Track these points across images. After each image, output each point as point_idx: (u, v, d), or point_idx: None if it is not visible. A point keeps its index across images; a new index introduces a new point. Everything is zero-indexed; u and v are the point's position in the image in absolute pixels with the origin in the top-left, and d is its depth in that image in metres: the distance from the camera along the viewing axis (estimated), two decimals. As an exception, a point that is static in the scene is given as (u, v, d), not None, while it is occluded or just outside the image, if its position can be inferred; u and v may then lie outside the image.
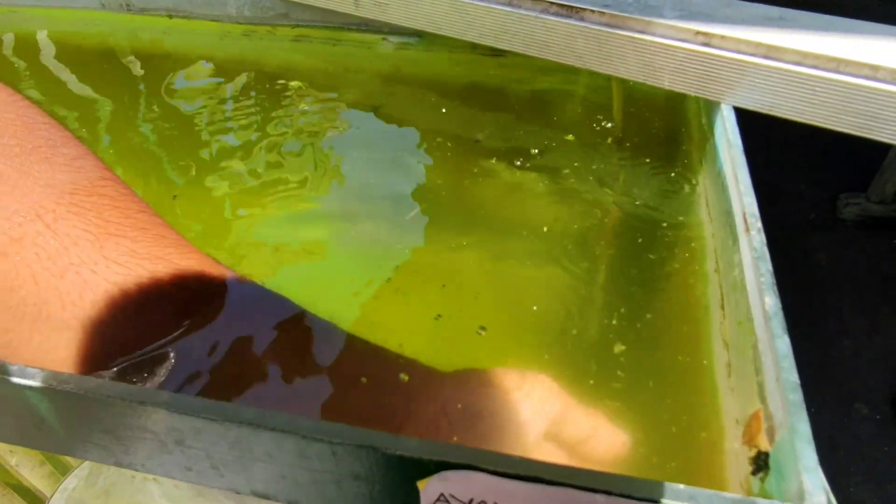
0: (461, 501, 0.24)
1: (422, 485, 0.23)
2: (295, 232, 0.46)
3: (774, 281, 0.28)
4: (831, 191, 1.64)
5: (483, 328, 0.38)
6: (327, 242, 0.45)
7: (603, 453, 0.30)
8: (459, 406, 0.27)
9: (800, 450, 0.23)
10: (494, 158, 0.48)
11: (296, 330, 0.28)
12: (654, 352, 0.36)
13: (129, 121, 0.55)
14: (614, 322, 0.38)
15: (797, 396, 0.24)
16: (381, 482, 0.25)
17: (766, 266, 0.29)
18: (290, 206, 0.48)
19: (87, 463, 0.52)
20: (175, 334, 0.27)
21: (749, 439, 0.28)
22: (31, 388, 0.26)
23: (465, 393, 0.28)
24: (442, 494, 0.24)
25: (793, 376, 0.25)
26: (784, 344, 0.26)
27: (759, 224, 0.31)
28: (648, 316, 0.38)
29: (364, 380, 0.27)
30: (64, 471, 0.57)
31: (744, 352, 0.29)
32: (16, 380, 0.25)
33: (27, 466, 0.60)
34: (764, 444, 0.26)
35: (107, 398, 0.25)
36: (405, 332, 0.39)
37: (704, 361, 0.34)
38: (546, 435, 0.29)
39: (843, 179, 1.64)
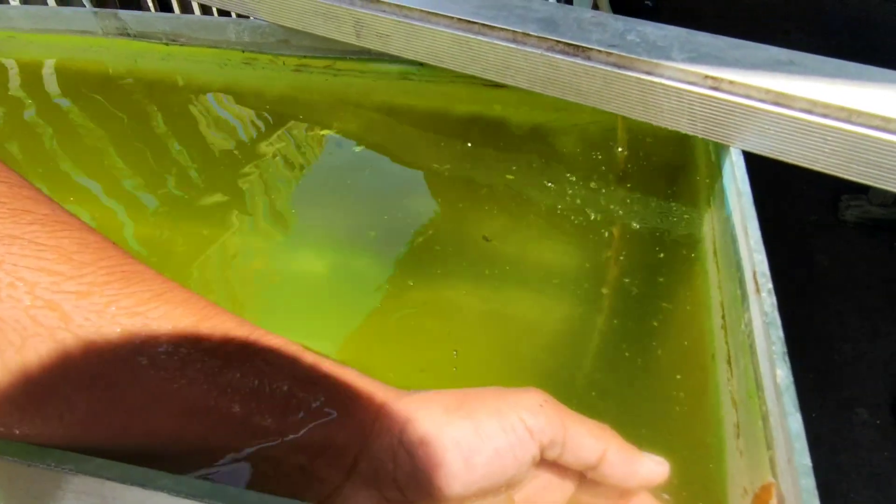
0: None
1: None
2: (287, 263, 0.45)
3: (786, 350, 0.28)
4: (833, 192, 1.64)
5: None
6: (321, 275, 0.45)
7: (622, 483, 0.26)
8: (418, 440, 0.23)
9: (813, 541, 0.22)
10: (494, 194, 0.47)
11: (232, 345, 0.24)
12: (659, 402, 0.36)
13: (125, 148, 0.54)
14: (615, 365, 0.38)
15: (809, 482, 0.24)
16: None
17: (778, 333, 0.29)
18: (283, 236, 0.47)
19: None
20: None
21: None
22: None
23: (429, 423, 0.24)
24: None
25: (805, 459, 0.24)
26: (796, 422, 0.25)
27: (770, 285, 0.31)
28: (652, 362, 0.37)
29: (315, 404, 0.23)
30: None
31: (753, 420, 0.29)
32: None
33: None
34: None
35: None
36: (391, 369, 0.38)
37: (711, 415, 0.34)
38: (542, 462, 0.25)
39: (844, 181, 1.64)
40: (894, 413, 1.27)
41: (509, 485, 0.25)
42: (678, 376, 0.36)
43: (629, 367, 0.37)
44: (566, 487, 0.27)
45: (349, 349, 0.40)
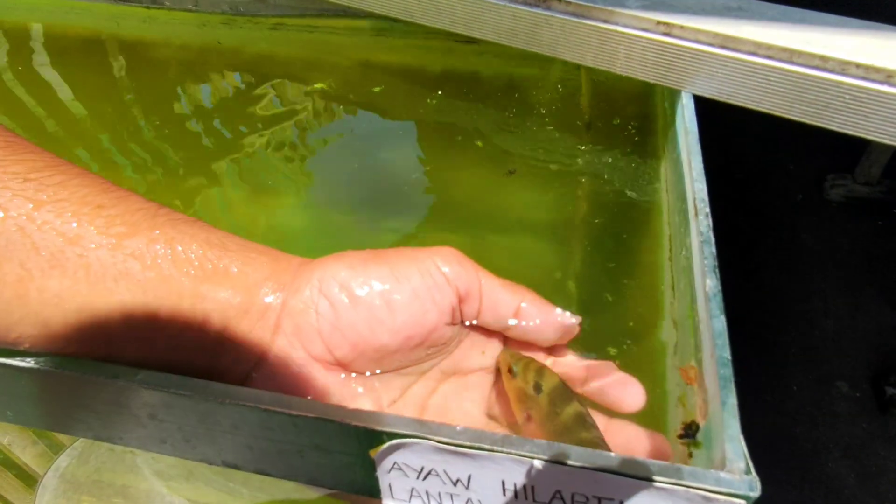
0: (414, 469, 0.26)
1: (373, 453, 0.25)
2: (269, 219, 0.47)
3: (717, 264, 0.30)
4: (818, 172, 1.66)
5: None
6: (305, 230, 0.47)
7: (539, 335, 0.27)
8: (337, 287, 0.24)
9: (726, 421, 0.24)
10: (468, 145, 0.49)
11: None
12: (615, 328, 0.38)
13: (109, 113, 0.56)
14: (581, 299, 0.40)
15: (727, 371, 0.26)
16: (340, 451, 0.26)
17: (710, 249, 0.31)
18: (266, 193, 0.49)
19: (79, 442, 0.54)
20: None
21: (686, 379, 0.29)
22: (11, 367, 0.27)
23: (346, 270, 0.25)
24: (395, 463, 0.26)
25: (725, 353, 0.26)
26: (720, 323, 0.27)
27: (707, 209, 0.33)
28: (610, 297, 0.39)
29: (230, 266, 0.24)
30: (56, 450, 0.58)
31: (688, 336, 0.31)
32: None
33: (20, 445, 0.60)
34: (698, 417, 0.27)
35: (82, 376, 0.27)
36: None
37: (656, 344, 0.36)
38: (454, 315, 0.26)
39: (830, 160, 1.66)
40: (874, 386, 1.30)
41: (433, 343, 0.26)
42: (635, 305, 0.39)
43: (595, 300, 0.39)
44: (492, 345, 0.28)
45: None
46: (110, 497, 0.51)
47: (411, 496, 0.27)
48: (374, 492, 0.28)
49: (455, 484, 0.26)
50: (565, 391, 0.27)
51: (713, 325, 0.27)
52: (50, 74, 0.60)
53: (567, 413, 0.27)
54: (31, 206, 0.22)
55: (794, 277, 1.52)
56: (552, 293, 0.40)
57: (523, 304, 0.27)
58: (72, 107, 0.57)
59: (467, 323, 0.27)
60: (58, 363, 0.27)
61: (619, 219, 0.43)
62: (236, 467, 0.30)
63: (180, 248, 0.23)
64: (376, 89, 0.53)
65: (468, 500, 0.27)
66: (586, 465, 0.23)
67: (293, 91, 0.55)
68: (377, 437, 0.24)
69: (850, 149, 1.65)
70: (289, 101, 0.55)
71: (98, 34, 0.63)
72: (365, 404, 0.27)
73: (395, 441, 0.24)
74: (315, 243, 0.46)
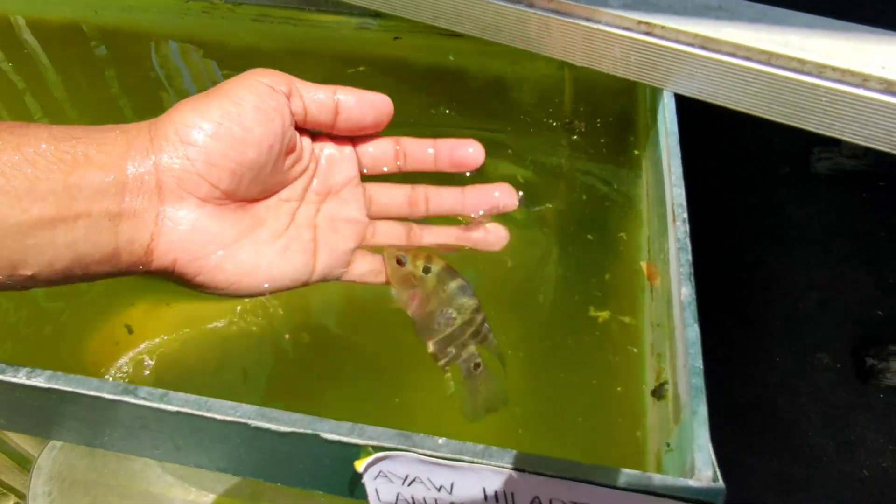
0: (399, 477, 0.27)
1: (358, 465, 0.26)
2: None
3: (692, 272, 0.31)
4: (805, 145, 1.66)
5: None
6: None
7: (361, 118, 0.31)
8: (195, 131, 0.27)
9: (696, 430, 0.25)
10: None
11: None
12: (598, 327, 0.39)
13: (84, 98, 0.56)
14: (559, 306, 0.41)
15: (699, 381, 0.27)
16: (327, 460, 0.27)
17: (687, 257, 0.31)
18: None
19: None
20: None
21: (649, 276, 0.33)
22: (1, 382, 0.28)
23: (194, 114, 0.27)
24: (381, 471, 0.27)
25: (697, 362, 0.27)
26: (693, 332, 0.28)
27: (685, 215, 0.34)
28: (596, 292, 0.40)
29: (88, 150, 0.25)
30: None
31: (663, 339, 0.32)
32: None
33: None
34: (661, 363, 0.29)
35: (73, 394, 0.27)
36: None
37: (634, 349, 0.37)
38: (291, 115, 0.29)
39: (816, 134, 1.66)
40: (855, 357, 1.32)
41: (290, 148, 0.29)
42: (617, 305, 0.40)
43: (576, 300, 0.40)
44: (346, 156, 0.32)
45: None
46: (106, 477, 0.52)
47: (397, 500, 0.28)
48: (361, 496, 0.29)
49: (439, 490, 0.27)
50: (451, 270, 0.32)
51: (687, 334, 0.28)
52: (29, 62, 0.59)
53: (452, 286, 0.32)
54: None
55: (779, 250, 1.54)
56: (528, 284, 0.41)
57: (339, 95, 0.30)
58: (51, 97, 0.57)
59: (304, 126, 0.31)
60: (48, 377, 0.28)
61: (599, 217, 0.43)
62: (229, 473, 0.31)
63: (31, 150, 0.24)
64: (360, 84, 0.53)
65: None
66: (563, 475, 0.24)
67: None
68: (362, 450, 0.25)
69: (836, 122, 1.64)
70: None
71: (77, 23, 0.62)
72: (263, 233, 0.30)
73: (379, 454, 0.25)
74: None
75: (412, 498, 0.28)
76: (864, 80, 0.35)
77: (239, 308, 0.42)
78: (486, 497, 0.27)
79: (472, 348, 0.31)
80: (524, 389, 0.36)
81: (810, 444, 1.23)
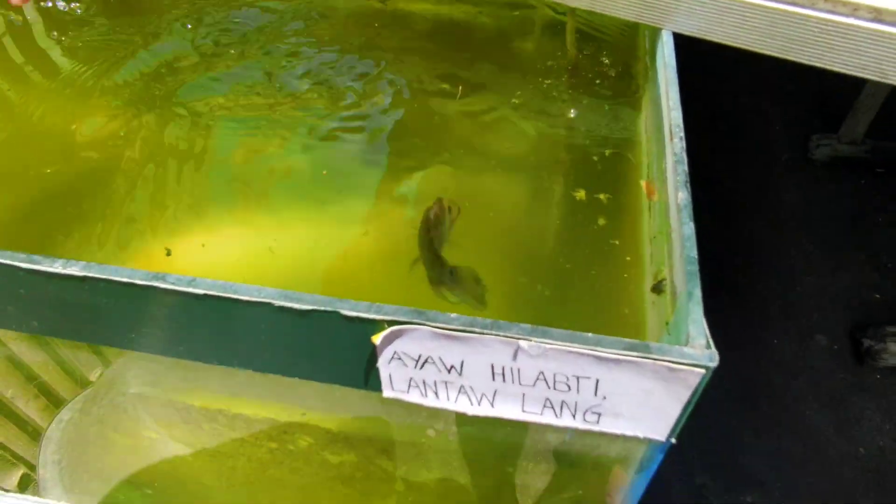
0: (412, 358, 0.29)
1: (375, 338, 0.27)
2: (267, 162, 0.49)
3: (688, 179, 0.33)
4: (804, 132, 1.68)
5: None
6: (305, 164, 0.49)
7: None
8: None
9: (691, 308, 0.27)
10: (460, 90, 0.51)
11: None
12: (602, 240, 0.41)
13: (108, 60, 0.57)
14: (569, 229, 0.42)
15: (694, 268, 0.29)
16: (346, 342, 0.29)
17: (683, 168, 0.33)
18: (263, 133, 0.51)
19: (80, 395, 0.56)
20: None
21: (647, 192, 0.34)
22: (39, 272, 0.30)
23: None
24: (395, 353, 0.29)
25: (693, 253, 0.29)
26: (689, 229, 0.30)
27: (682, 133, 0.35)
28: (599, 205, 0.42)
29: None
30: (58, 404, 0.60)
31: (661, 247, 0.34)
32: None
33: (23, 399, 0.62)
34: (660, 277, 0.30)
35: (107, 283, 0.29)
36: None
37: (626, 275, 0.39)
38: None
39: (816, 121, 1.68)
40: (852, 339, 1.34)
41: None
42: (618, 219, 0.41)
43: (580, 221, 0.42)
44: None
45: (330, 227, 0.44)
46: (114, 448, 0.53)
47: (410, 386, 0.30)
48: (375, 385, 0.30)
49: (449, 371, 0.29)
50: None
51: (683, 230, 0.30)
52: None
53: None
54: None
55: (778, 235, 1.55)
56: (539, 219, 0.43)
57: None
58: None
59: None
60: (83, 267, 0.30)
61: (600, 153, 0.45)
62: (252, 369, 0.32)
63: None
64: (367, 38, 0.55)
65: (461, 387, 0.29)
66: (565, 342, 0.26)
67: (287, 40, 0.57)
68: (378, 325, 0.27)
69: (835, 109, 1.67)
70: (280, 51, 0.56)
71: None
72: None
73: (395, 328, 0.27)
74: (316, 172, 0.48)
75: (423, 383, 0.30)
76: (854, 10, 0.37)
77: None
78: (493, 375, 0.28)
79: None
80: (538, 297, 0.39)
81: (808, 425, 1.24)
